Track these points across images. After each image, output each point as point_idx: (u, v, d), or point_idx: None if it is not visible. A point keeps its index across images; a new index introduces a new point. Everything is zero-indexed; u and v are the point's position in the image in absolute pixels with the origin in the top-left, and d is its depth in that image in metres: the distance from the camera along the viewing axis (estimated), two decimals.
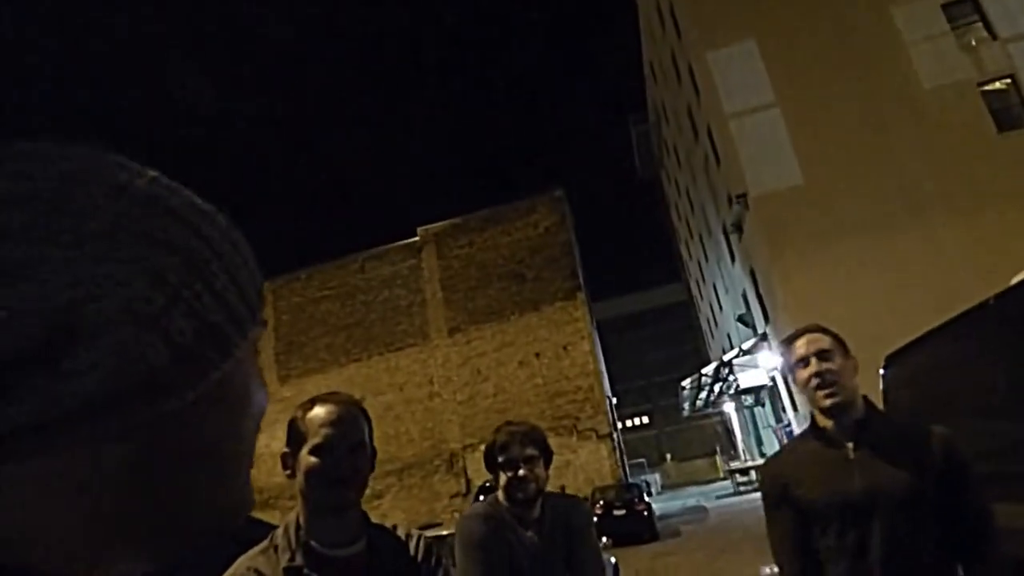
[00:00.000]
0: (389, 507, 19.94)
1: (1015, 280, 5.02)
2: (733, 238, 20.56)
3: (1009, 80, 16.66)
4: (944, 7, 17.41)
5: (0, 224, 0.31)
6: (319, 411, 1.34)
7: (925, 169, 15.97)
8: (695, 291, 38.88)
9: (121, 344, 0.31)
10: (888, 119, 16.57)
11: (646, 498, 15.11)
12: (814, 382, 1.74)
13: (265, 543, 1.32)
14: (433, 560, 1.43)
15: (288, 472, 1.35)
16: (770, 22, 18.03)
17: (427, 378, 21.39)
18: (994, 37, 16.99)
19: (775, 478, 1.85)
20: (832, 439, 1.75)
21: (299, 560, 1.26)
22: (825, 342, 1.77)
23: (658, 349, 52.27)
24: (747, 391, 23.28)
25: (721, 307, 27.92)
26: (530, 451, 1.99)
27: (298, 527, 1.32)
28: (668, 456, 43.10)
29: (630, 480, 20.70)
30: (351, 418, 1.35)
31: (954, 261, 14.17)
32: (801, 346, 1.79)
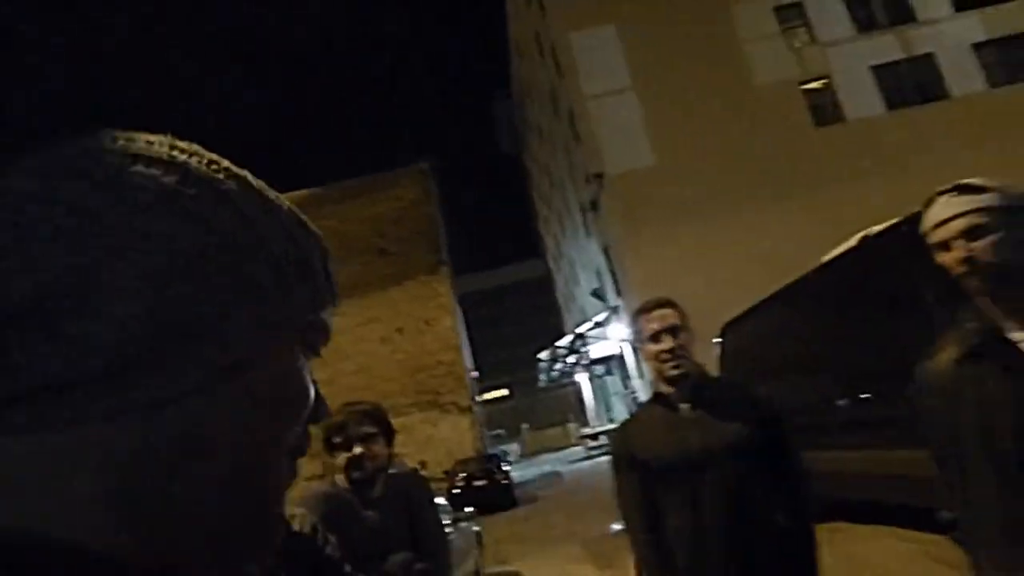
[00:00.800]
0: None
1: (823, 260, 5.72)
2: (589, 215, 21.46)
3: (826, 80, 18.71)
4: (776, 10, 19.14)
5: (16, 187, 0.31)
6: None
7: (760, 156, 17.61)
8: (553, 266, 40.20)
9: (131, 314, 0.31)
10: (729, 109, 18.03)
11: (505, 467, 15.63)
12: (664, 356, 1.87)
13: None
14: (320, 537, 1.42)
15: None
16: (629, 10, 18.84)
17: None
18: (815, 41, 18.97)
19: (622, 443, 1.98)
20: (672, 403, 1.90)
21: None
22: (674, 318, 1.90)
23: (518, 323, 53.76)
24: (598, 361, 24.61)
25: (578, 282, 29.13)
26: (367, 429, 1.95)
27: None
28: (526, 426, 44.68)
29: (490, 451, 21.22)
30: None
31: (785, 239, 15.77)
32: (653, 321, 1.90)
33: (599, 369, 27.43)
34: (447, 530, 6.11)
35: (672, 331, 1.88)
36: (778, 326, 6.47)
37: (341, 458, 1.94)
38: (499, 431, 42.06)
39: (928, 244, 1.28)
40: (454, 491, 14.02)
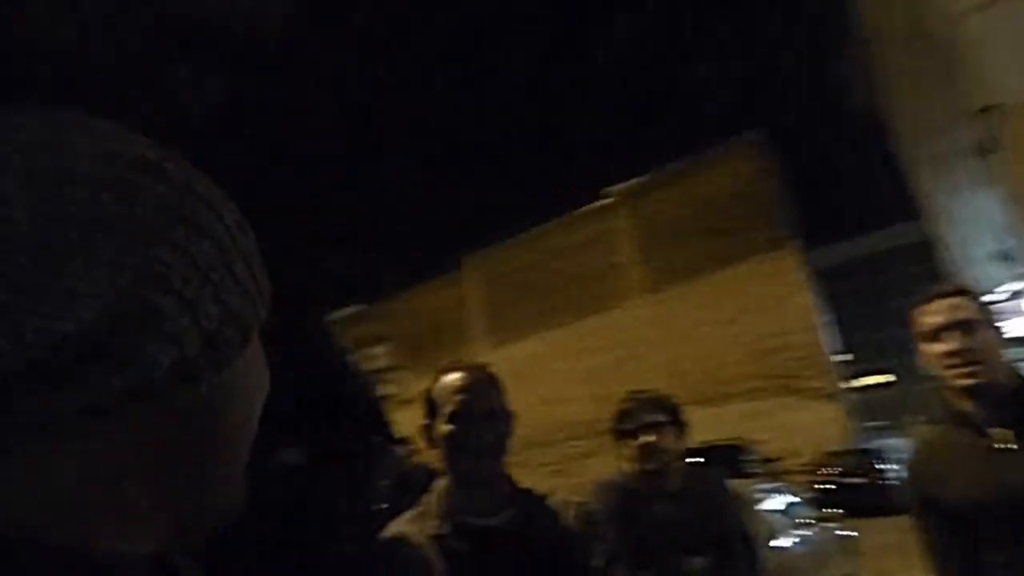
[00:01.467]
0: (602, 467, 20.14)
1: None
2: (980, 160, 17.35)
3: None
4: None
5: (55, 204, 0.30)
6: (449, 379, 1.32)
7: None
8: (934, 228, 33.71)
9: (166, 333, 0.31)
10: None
11: (884, 465, 13.73)
12: (949, 361, 1.35)
13: (417, 509, 1.33)
14: (591, 531, 1.36)
15: (428, 444, 1.35)
16: None
17: (629, 340, 21.17)
18: None
19: (914, 478, 1.51)
20: (974, 425, 1.37)
21: (445, 529, 1.24)
22: (968, 310, 1.38)
23: (896, 296, 46.43)
24: (1016, 340, 19.64)
25: (971, 243, 23.85)
26: (656, 417, 1.89)
27: (445, 495, 1.31)
28: (913, 418, 38.22)
29: (865, 445, 18.75)
30: (482, 384, 1.32)
31: None
32: (934, 315, 1.40)
33: (1020, 350, 21.93)
34: (811, 531, 5.48)
35: (963, 327, 1.37)
36: None
37: (630, 446, 1.92)
38: (878, 422, 36.66)
39: None
40: (818, 488, 12.82)
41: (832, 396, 18.17)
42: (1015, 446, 1.30)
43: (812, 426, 17.92)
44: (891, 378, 44.38)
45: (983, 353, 1.35)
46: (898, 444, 31.82)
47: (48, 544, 0.31)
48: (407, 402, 4.01)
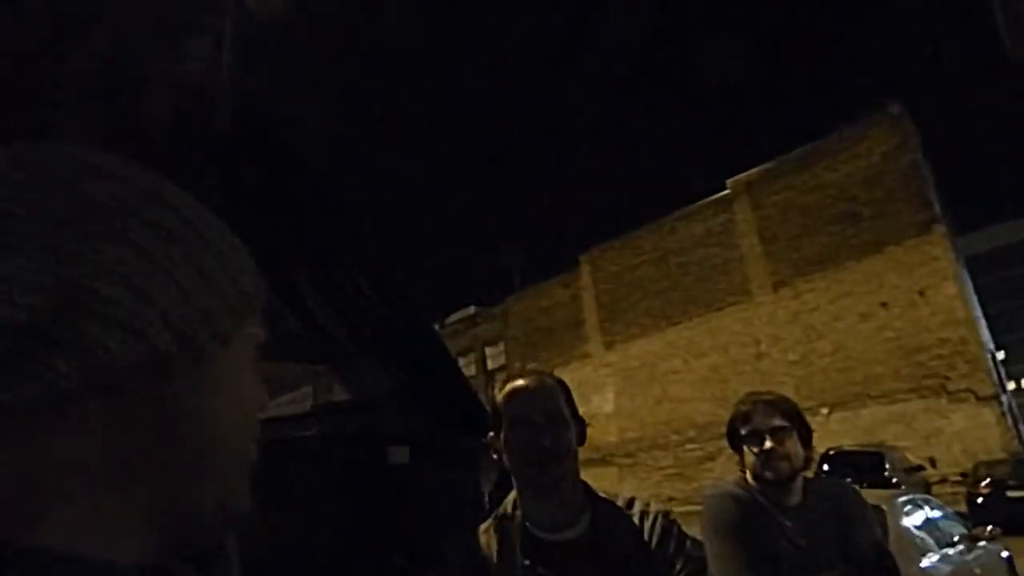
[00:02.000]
0: (723, 471, 19.36)
1: None
2: None
3: None
4: None
5: (5, 202, 0.32)
6: (509, 388, 1.30)
7: None
8: None
9: (120, 322, 0.32)
10: None
11: None
12: None
13: (490, 520, 1.30)
14: (673, 545, 1.22)
15: (495, 455, 1.30)
16: None
17: (752, 338, 20.07)
18: None
19: None
20: None
21: (513, 540, 1.22)
22: None
23: None
24: None
25: None
26: (778, 422, 1.73)
27: (515, 507, 1.27)
28: None
29: None
30: (542, 390, 1.28)
31: None
32: None
33: None
34: (962, 549, 4.88)
35: None
36: None
37: (750, 454, 1.77)
38: None
39: None
40: (976, 500, 11.55)
41: (987, 398, 16.28)
42: None
43: (964, 431, 16.15)
44: None
45: None
46: None
47: (34, 548, 0.30)
48: None
